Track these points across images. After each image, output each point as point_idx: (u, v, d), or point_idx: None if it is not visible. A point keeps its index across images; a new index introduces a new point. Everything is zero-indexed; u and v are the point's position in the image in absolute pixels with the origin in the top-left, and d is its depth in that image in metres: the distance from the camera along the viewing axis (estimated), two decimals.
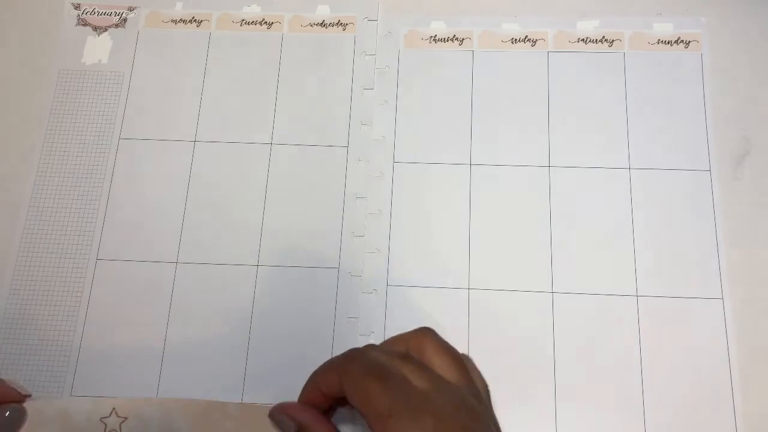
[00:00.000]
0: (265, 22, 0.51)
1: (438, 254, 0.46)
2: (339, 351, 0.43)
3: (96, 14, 0.51)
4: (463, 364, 0.33)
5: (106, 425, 0.38)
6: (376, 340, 0.44)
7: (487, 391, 0.34)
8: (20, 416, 0.36)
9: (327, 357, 0.43)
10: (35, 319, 0.45)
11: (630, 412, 0.42)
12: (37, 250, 0.46)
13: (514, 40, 0.50)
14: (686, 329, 0.43)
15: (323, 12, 0.52)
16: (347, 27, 0.51)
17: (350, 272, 0.45)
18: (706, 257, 0.45)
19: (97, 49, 0.51)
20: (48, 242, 0.46)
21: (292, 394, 0.42)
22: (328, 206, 0.47)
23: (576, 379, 0.43)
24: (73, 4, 0.52)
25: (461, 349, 0.43)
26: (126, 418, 0.38)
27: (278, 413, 0.34)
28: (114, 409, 0.38)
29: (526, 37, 0.50)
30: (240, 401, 0.42)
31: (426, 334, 0.34)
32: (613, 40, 0.50)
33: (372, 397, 0.29)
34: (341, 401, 0.33)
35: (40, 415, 0.37)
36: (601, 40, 0.50)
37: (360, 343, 0.44)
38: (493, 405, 0.34)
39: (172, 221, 0.47)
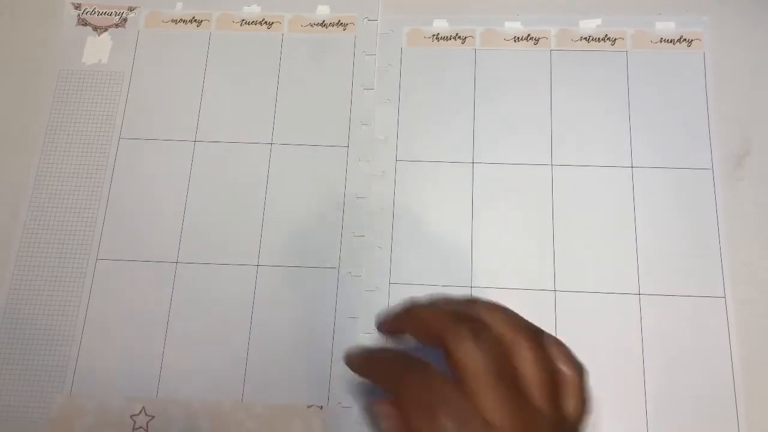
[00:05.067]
0: (265, 22, 0.51)
1: (441, 252, 0.45)
2: (339, 351, 0.43)
3: (96, 14, 0.51)
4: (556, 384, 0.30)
5: (135, 422, 0.42)
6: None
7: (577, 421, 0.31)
8: None
9: (327, 357, 0.43)
10: (35, 319, 0.44)
11: (632, 410, 0.42)
12: (37, 250, 0.46)
13: (516, 39, 0.50)
14: (688, 328, 0.43)
15: (323, 12, 0.51)
16: (347, 27, 0.51)
17: (350, 272, 0.45)
18: (709, 256, 0.44)
19: (97, 49, 0.51)
20: (48, 242, 0.46)
21: (292, 394, 0.42)
22: (328, 206, 0.46)
23: None
24: (73, 4, 0.52)
25: None
26: (153, 416, 0.42)
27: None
28: (143, 407, 0.42)
29: (529, 35, 0.50)
30: (240, 401, 0.42)
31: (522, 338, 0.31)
32: (615, 39, 0.50)
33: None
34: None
35: (81, 407, 0.42)
36: (603, 39, 0.50)
37: (360, 342, 0.43)
38: None
39: (173, 221, 0.46)
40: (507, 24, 0.51)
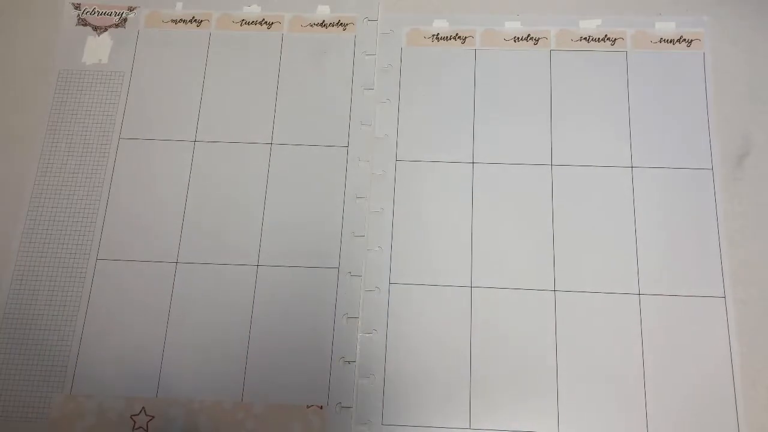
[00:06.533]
0: (265, 22, 0.51)
1: (440, 252, 0.45)
2: (338, 350, 0.43)
3: (96, 14, 0.51)
4: None
5: (135, 422, 0.42)
6: (379, 338, 0.44)
7: None
8: None
9: (327, 357, 0.43)
10: (35, 319, 0.44)
11: (632, 409, 0.42)
12: (37, 250, 0.46)
13: (516, 39, 0.50)
14: (688, 327, 0.43)
15: (323, 12, 0.51)
16: (347, 27, 0.51)
17: (350, 272, 0.45)
18: (709, 255, 0.44)
19: (97, 49, 0.51)
20: (48, 242, 0.46)
21: (292, 394, 0.42)
22: (328, 206, 0.46)
23: (578, 376, 0.42)
24: (73, 4, 0.52)
25: (463, 346, 0.43)
26: (153, 416, 0.42)
27: None
28: (143, 408, 0.42)
29: (529, 35, 0.50)
30: (240, 401, 0.42)
31: None
32: (615, 39, 0.50)
33: None
34: None
35: (81, 407, 0.42)
36: (603, 39, 0.50)
37: (361, 342, 0.43)
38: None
39: (173, 221, 0.46)
40: (507, 24, 0.51)
